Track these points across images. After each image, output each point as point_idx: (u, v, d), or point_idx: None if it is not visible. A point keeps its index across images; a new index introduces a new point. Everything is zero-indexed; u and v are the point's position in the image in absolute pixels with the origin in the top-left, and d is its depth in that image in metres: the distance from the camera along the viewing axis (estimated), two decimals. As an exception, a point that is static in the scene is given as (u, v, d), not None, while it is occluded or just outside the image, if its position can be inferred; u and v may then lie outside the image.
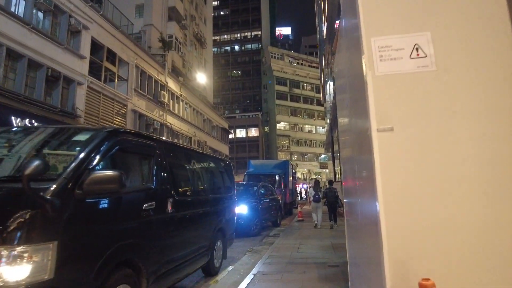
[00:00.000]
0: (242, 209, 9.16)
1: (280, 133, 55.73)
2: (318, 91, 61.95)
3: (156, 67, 21.37)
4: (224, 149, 35.97)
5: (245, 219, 9.17)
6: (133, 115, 18.39)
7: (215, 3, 67.45)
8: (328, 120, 22.04)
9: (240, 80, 64.62)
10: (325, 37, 18.35)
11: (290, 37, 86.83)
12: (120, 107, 17.33)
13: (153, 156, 3.65)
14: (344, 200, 4.15)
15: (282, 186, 16.69)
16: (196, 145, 26.01)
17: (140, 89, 19.51)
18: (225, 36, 66.40)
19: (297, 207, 26.35)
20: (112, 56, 17.03)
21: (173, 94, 23.65)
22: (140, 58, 19.49)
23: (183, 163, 4.77)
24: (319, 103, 60.62)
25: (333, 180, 13.42)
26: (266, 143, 55.74)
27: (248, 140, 54.50)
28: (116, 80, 17.18)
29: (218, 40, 66.18)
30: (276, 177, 16.78)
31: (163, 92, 21.37)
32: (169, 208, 3.77)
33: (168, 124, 22.18)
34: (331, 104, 18.69)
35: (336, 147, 18.66)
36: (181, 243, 4.14)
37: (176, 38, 26.22)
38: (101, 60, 15.94)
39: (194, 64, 30.18)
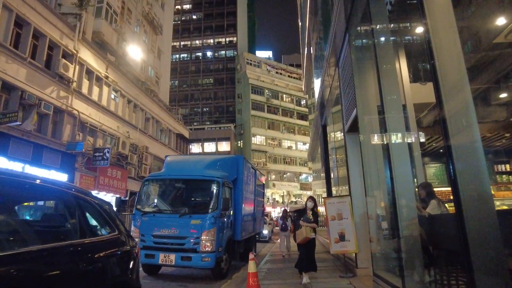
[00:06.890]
0: None
1: (255, 148, 48.52)
2: (299, 104, 56.00)
3: (58, 26, 14.11)
4: (181, 161, 28.26)
5: None
6: (-10, 83, 10.88)
7: (187, 6, 61.80)
8: (317, 113, 15.15)
9: (212, 89, 57.63)
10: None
11: (270, 59, 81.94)
12: (-45, 65, 9.83)
13: None
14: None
15: (222, 208, 7.51)
16: (128, 151, 18.34)
17: (15, 47, 12.11)
18: (197, 42, 59.89)
19: (269, 240, 18.83)
20: None
21: (90, 71, 16.28)
22: None
23: None
24: (300, 117, 54.55)
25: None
26: (239, 159, 48.22)
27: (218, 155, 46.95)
28: None
29: (189, 46, 59.67)
30: (213, 188, 7.65)
31: (65, 61, 13.99)
32: None
33: (75, 111, 14.64)
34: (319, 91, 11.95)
35: (332, 157, 11.45)
36: None
37: (109, 5, 19.21)
38: None
39: (140, 48, 23.06)
